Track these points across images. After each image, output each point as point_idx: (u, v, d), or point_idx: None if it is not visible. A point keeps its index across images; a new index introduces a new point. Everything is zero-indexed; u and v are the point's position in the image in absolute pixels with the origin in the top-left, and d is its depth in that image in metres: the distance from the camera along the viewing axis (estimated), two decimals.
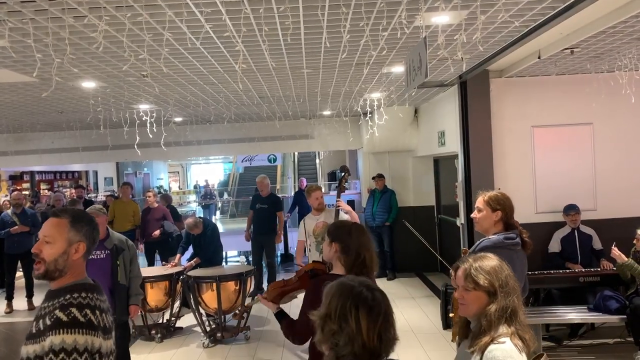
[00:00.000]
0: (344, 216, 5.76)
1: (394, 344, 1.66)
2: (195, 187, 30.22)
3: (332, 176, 17.00)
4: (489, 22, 4.01)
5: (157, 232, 8.81)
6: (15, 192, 8.88)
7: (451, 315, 3.44)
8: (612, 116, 6.42)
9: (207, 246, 7.24)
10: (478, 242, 3.29)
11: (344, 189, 6.00)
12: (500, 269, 2.15)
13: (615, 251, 5.26)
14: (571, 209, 6.12)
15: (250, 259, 9.84)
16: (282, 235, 8.74)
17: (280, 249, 12.12)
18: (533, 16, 3.91)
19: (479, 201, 3.30)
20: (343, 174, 5.75)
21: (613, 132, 6.45)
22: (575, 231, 6.14)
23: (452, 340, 3.53)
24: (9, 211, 8.27)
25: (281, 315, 3.01)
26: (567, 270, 5.90)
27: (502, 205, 3.22)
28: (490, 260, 2.18)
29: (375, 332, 1.60)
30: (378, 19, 3.79)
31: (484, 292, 2.11)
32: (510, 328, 2.05)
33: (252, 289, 6.90)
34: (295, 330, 2.86)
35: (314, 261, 2.96)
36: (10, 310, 8.20)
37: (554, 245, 6.18)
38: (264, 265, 9.05)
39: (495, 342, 2.02)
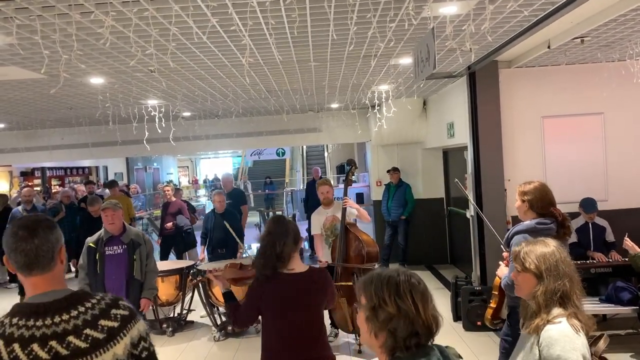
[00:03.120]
0: (352, 212, 5.76)
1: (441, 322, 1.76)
2: (204, 181, 30.34)
3: (340, 169, 16.99)
4: (497, 11, 3.96)
5: (169, 224, 8.88)
6: (26, 189, 8.95)
7: (491, 303, 3.83)
8: (623, 105, 6.35)
9: (235, 228, 7.33)
10: (513, 227, 3.55)
11: (351, 183, 5.99)
12: (551, 254, 2.24)
13: (628, 242, 5.21)
14: (592, 210, 6.00)
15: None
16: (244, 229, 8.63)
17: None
18: (542, 5, 3.87)
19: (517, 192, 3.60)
20: (350, 167, 5.73)
21: (624, 122, 6.37)
22: (589, 223, 6.09)
23: (486, 322, 3.91)
24: (20, 207, 8.34)
25: (229, 296, 3.14)
26: (578, 262, 5.85)
27: (530, 196, 3.48)
28: (543, 246, 2.28)
29: (430, 312, 1.69)
30: (385, 11, 3.76)
31: (532, 275, 2.23)
32: (567, 310, 2.14)
33: None
34: (237, 315, 3.06)
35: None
36: None
37: (571, 236, 6.10)
38: None
39: (551, 322, 2.11)
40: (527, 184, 3.55)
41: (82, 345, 1.60)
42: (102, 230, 4.81)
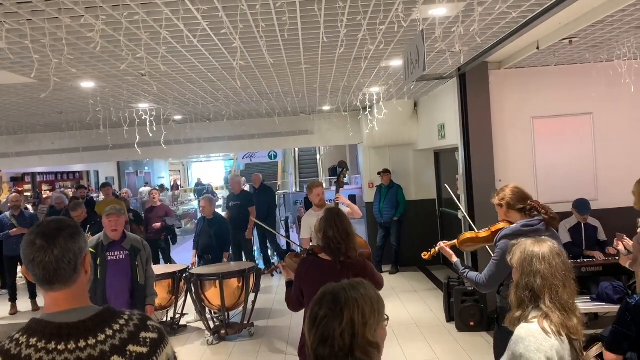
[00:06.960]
0: (345, 210, 5.76)
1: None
2: (196, 184, 30.24)
3: (333, 171, 16.99)
4: (486, 13, 4.00)
5: (158, 224, 8.84)
6: (13, 195, 8.86)
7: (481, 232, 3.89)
8: (612, 105, 6.41)
9: (219, 235, 7.30)
10: (500, 231, 3.51)
11: (343, 184, 6.02)
12: (531, 250, 2.23)
13: (624, 240, 4.92)
14: (587, 212, 6.02)
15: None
16: (252, 230, 9.19)
17: (283, 244, 12.00)
18: (531, 6, 3.90)
19: None
20: (341, 169, 5.76)
21: (613, 122, 6.43)
22: (582, 223, 6.11)
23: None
24: (8, 213, 8.25)
25: (290, 284, 3.47)
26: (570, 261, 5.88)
27: (502, 199, 3.49)
28: (534, 245, 2.26)
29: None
30: (375, 13, 3.78)
31: (515, 269, 2.27)
32: (540, 310, 2.13)
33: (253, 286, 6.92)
34: (289, 298, 3.39)
35: (319, 244, 3.38)
36: (14, 311, 8.23)
37: (564, 236, 6.12)
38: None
39: (526, 321, 2.14)
40: (499, 191, 3.56)
41: None
42: (100, 235, 4.76)
